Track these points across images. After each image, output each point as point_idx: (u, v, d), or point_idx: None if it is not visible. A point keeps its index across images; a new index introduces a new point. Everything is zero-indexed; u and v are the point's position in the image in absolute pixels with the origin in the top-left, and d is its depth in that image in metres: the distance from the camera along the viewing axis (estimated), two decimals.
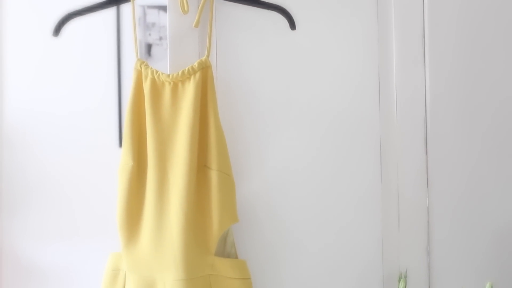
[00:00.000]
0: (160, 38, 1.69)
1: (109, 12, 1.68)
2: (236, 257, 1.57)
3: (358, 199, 1.67)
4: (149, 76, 1.52)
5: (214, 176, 1.52)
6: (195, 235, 1.50)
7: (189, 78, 1.51)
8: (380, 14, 1.67)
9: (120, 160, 1.55)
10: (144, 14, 1.69)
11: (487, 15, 1.69)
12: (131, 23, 1.57)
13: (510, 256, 1.68)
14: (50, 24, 1.60)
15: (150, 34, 1.69)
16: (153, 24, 1.69)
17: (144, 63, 1.54)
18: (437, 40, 1.67)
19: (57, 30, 1.57)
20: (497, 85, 1.69)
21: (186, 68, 1.52)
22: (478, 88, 1.69)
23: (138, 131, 1.54)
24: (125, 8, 1.68)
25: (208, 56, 1.54)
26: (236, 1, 1.58)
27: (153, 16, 1.69)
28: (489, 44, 1.69)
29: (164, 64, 1.60)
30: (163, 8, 1.67)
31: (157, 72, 1.52)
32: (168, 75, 1.52)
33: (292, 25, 1.60)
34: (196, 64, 1.52)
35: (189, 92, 1.50)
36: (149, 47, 1.69)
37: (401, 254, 1.65)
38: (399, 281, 1.49)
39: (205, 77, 1.53)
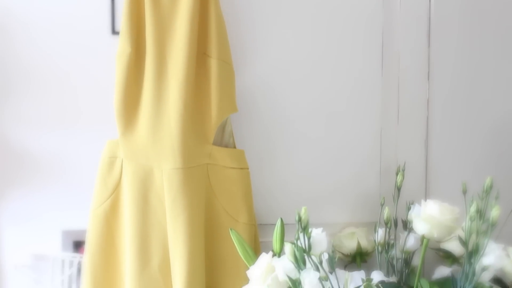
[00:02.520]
0: None
1: None
2: (234, 147, 1.56)
3: (358, 91, 1.65)
4: None
5: (213, 64, 1.48)
6: (193, 123, 1.48)
7: None
8: None
9: (117, 46, 1.49)
10: None
11: None
12: None
13: (509, 150, 1.68)
14: None
15: None
16: None
17: None
18: None
19: None
20: None
21: None
22: None
23: (137, 17, 1.49)
24: None
25: None
26: None
27: None
28: None
29: None
30: None
31: None
32: None
33: None
34: None
35: None
36: None
37: (399, 147, 1.65)
38: (396, 174, 1.49)
39: None
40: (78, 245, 1.64)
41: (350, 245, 1.57)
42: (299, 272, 1.16)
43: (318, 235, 1.25)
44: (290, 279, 1.17)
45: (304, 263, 1.17)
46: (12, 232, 1.63)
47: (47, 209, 1.62)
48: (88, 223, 1.52)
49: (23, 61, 1.59)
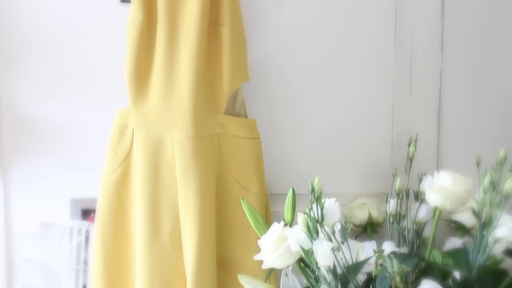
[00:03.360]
0: None
1: None
2: (246, 116, 1.56)
3: (371, 62, 1.64)
4: None
5: (225, 33, 1.47)
6: (205, 92, 1.47)
7: None
8: None
9: (129, 14, 1.48)
10: None
11: None
12: None
13: None
14: None
15: None
16: None
17: None
18: None
19: None
20: None
21: None
22: None
23: None
24: None
25: None
26: None
27: None
28: None
29: None
30: None
31: None
32: None
33: None
34: None
35: None
36: None
37: (411, 118, 1.64)
38: (408, 145, 1.48)
39: None
40: (86, 213, 1.64)
41: (361, 216, 1.56)
42: (312, 242, 1.16)
43: (331, 205, 1.24)
44: (302, 249, 1.17)
45: (317, 233, 1.16)
46: (21, 200, 1.62)
47: (56, 177, 1.62)
48: (98, 192, 1.51)
49: (29, 30, 1.57)
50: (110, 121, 1.52)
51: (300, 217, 1.18)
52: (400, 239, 1.44)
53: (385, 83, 1.63)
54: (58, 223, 1.64)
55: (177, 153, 1.45)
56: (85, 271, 1.64)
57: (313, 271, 1.28)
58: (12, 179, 1.61)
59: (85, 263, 1.64)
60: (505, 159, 1.24)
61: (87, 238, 1.63)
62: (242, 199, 1.36)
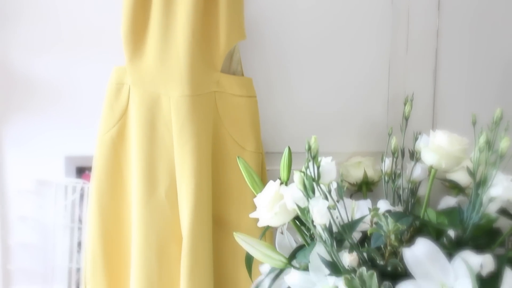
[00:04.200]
0: None
1: None
2: (242, 75, 1.55)
3: (367, 21, 1.63)
4: None
5: None
6: (201, 50, 1.46)
7: None
8: None
9: None
10: None
11: None
12: None
13: None
14: None
15: None
16: None
17: None
18: None
19: None
20: None
21: None
22: None
23: None
24: None
25: None
26: None
27: None
28: None
29: None
30: None
31: None
32: None
33: None
34: None
35: None
36: None
37: (407, 77, 1.63)
38: (404, 104, 1.48)
39: None
40: (81, 171, 1.64)
41: (356, 174, 1.57)
42: (308, 201, 1.16)
43: (327, 164, 1.25)
44: (298, 207, 1.17)
45: (313, 192, 1.17)
46: (15, 157, 1.62)
47: (50, 135, 1.62)
48: (95, 149, 1.51)
49: None
50: (105, 79, 1.51)
51: (297, 176, 1.18)
52: (395, 198, 1.45)
53: (382, 42, 1.62)
54: (53, 181, 1.64)
55: (173, 111, 1.44)
56: (80, 229, 1.64)
57: (308, 229, 1.29)
58: (6, 136, 1.61)
59: (80, 221, 1.64)
60: (501, 118, 1.24)
61: (81, 196, 1.63)
62: (238, 157, 1.36)
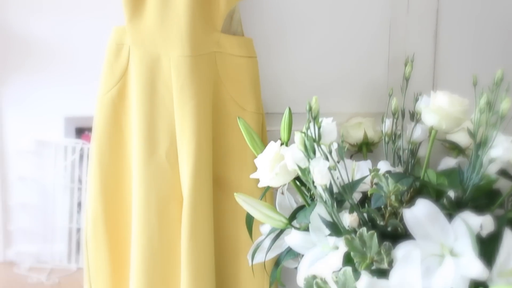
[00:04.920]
0: None
1: None
2: (243, 35, 1.53)
3: None
4: None
5: None
6: (201, 10, 1.44)
7: None
8: None
9: None
10: None
11: None
12: None
13: None
14: None
15: None
16: None
17: None
18: None
19: None
20: None
21: None
22: None
23: None
24: None
25: None
26: None
27: None
28: None
29: None
30: None
31: None
32: None
33: None
34: None
35: None
36: None
37: (408, 37, 1.62)
38: (405, 65, 1.47)
39: None
40: (80, 132, 1.64)
41: (356, 135, 1.57)
42: (309, 161, 1.16)
43: (328, 124, 1.25)
44: (299, 168, 1.17)
45: (314, 153, 1.17)
46: (14, 118, 1.62)
47: (49, 96, 1.61)
48: (95, 110, 1.50)
49: None
50: (105, 39, 1.49)
51: (298, 136, 1.18)
52: (395, 159, 1.45)
53: (383, 3, 1.61)
54: (53, 141, 1.64)
55: (173, 71, 1.43)
56: (79, 189, 1.65)
57: (308, 190, 1.29)
58: (5, 96, 1.60)
59: (80, 181, 1.65)
60: (501, 79, 1.24)
61: (81, 157, 1.63)
62: (238, 118, 1.36)
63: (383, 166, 1.37)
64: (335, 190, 1.17)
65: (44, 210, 1.67)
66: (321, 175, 1.13)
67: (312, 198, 1.30)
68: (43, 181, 1.66)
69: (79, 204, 1.66)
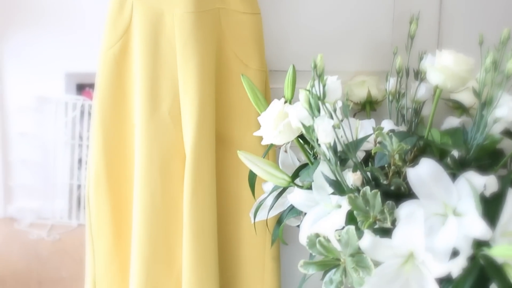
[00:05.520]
0: None
1: None
2: None
3: None
4: None
5: None
6: None
7: None
8: None
9: None
10: None
11: None
12: None
13: None
14: None
15: None
16: None
17: None
18: None
19: None
20: None
21: None
22: None
23: None
24: None
25: None
26: None
27: None
28: None
29: None
30: None
31: None
32: None
33: None
34: None
35: None
36: None
37: None
38: (410, 23, 1.45)
39: None
40: (81, 88, 1.63)
41: (360, 93, 1.56)
42: (313, 119, 1.16)
43: (333, 83, 1.24)
44: (304, 126, 1.17)
45: (318, 111, 1.16)
46: (15, 74, 1.61)
47: (50, 52, 1.60)
48: (97, 66, 1.49)
49: None
50: None
51: (302, 94, 1.17)
52: (399, 118, 1.45)
53: None
54: (53, 98, 1.63)
55: (176, 28, 1.42)
56: (80, 146, 1.65)
57: (312, 148, 1.29)
58: (5, 52, 1.58)
59: (80, 138, 1.64)
60: (508, 38, 1.23)
61: (82, 113, 1.62)
62: (242, 75, 1.35)
63: (387, 125, 1.36)
64: (339, 148, 1.16)
65: (45, 167, 1.67)
66: (325, 133, 1.13)
67: (315, 156, 1.30)
68: (43, 138, 1.66)
69: (80, 161, 1.66)
